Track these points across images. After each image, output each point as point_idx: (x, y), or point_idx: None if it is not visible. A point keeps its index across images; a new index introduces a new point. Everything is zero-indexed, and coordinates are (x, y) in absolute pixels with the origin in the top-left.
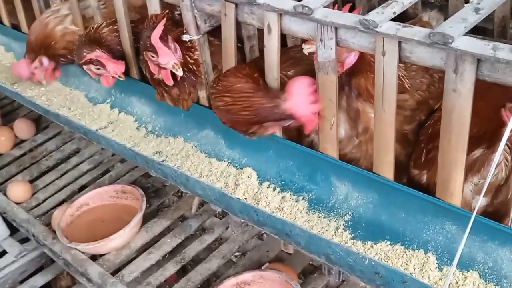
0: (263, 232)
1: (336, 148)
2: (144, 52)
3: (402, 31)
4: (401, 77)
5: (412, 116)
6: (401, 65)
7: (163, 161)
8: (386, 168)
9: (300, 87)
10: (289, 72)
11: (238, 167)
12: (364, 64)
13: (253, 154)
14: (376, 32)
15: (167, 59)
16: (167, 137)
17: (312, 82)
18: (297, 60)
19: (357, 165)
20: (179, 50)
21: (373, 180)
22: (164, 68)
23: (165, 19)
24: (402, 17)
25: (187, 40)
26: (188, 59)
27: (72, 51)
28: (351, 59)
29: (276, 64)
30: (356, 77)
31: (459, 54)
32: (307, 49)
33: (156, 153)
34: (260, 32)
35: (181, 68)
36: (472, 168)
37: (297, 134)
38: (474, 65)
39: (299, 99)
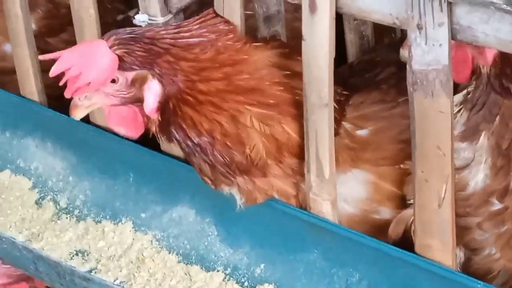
0: None
1: (451, 248)
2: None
3: None
4: None
5: None
6: None
7: (90, 271)
8: None
9: None
10: (360, 131)
11: (246, 283)
12: None
13: (277, 257)
14: None
15: None
16: (99, 221)
17: None
18: (384, 97)
19: (484, 274)
20: None
21: None
22: None
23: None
24: None
25: (142, 24)
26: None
27: None
28: None
29: (326, 77)
30: None
31: None
32: None
33: (77, 254)
34: (292, 10)
35: None
36: None
37: (364, 217)
38: None
39: None
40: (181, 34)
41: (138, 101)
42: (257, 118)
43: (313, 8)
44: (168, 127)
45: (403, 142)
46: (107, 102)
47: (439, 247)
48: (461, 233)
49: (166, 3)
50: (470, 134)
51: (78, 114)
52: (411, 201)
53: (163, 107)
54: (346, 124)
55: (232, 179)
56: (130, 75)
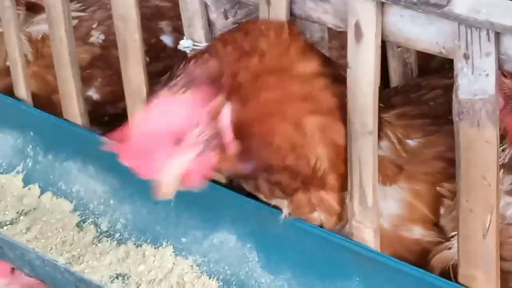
0: None
1: (495, 279)
2: None
3: None
4: None
5: None
6: None
7: None
8: None
9: None
10: (410, 141)
11: None
12: None
13: (318, 284)
14: None
15: None
16: (140, 245)
17: None
18: (431, 113)
19: None
20: None
21: None
22: None
23: None
24: None
25: (187, 50)
26: None
27: None
28: None
29: (371, 105)
30: None
31: None
32: None
33: (117, 277)
34: (336, 37)
35: None
36: None
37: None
38: None
39: None
40: (226, 48)
41: (218, 138)
42: (317, 128)
43: (358, 36)
44: (247, 156)
45: (447, 161)
46: (191, 154)
47: (483, 278)
48: (509, 278)
49: (210, 29)
50: None
51: (171, 189)
52: (450, 234)
53: (239, 133)
54: (397, 131)
55: (291, 196)
56: (205, 110)
